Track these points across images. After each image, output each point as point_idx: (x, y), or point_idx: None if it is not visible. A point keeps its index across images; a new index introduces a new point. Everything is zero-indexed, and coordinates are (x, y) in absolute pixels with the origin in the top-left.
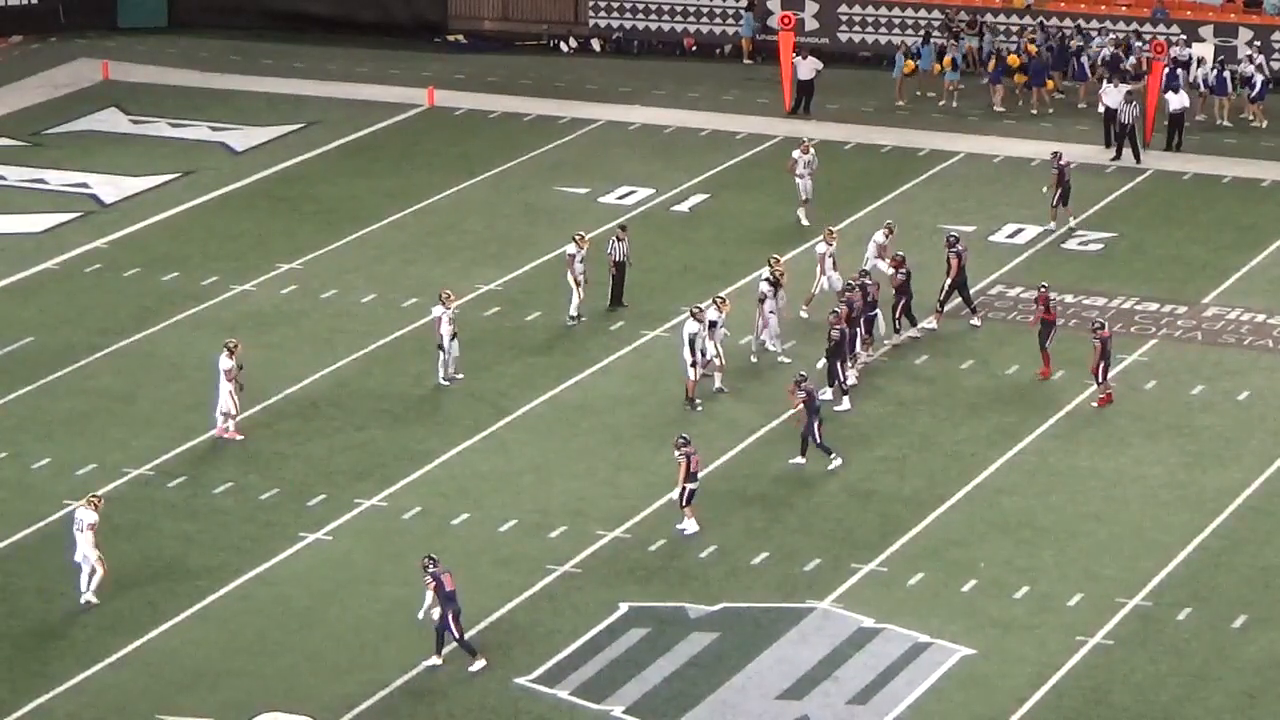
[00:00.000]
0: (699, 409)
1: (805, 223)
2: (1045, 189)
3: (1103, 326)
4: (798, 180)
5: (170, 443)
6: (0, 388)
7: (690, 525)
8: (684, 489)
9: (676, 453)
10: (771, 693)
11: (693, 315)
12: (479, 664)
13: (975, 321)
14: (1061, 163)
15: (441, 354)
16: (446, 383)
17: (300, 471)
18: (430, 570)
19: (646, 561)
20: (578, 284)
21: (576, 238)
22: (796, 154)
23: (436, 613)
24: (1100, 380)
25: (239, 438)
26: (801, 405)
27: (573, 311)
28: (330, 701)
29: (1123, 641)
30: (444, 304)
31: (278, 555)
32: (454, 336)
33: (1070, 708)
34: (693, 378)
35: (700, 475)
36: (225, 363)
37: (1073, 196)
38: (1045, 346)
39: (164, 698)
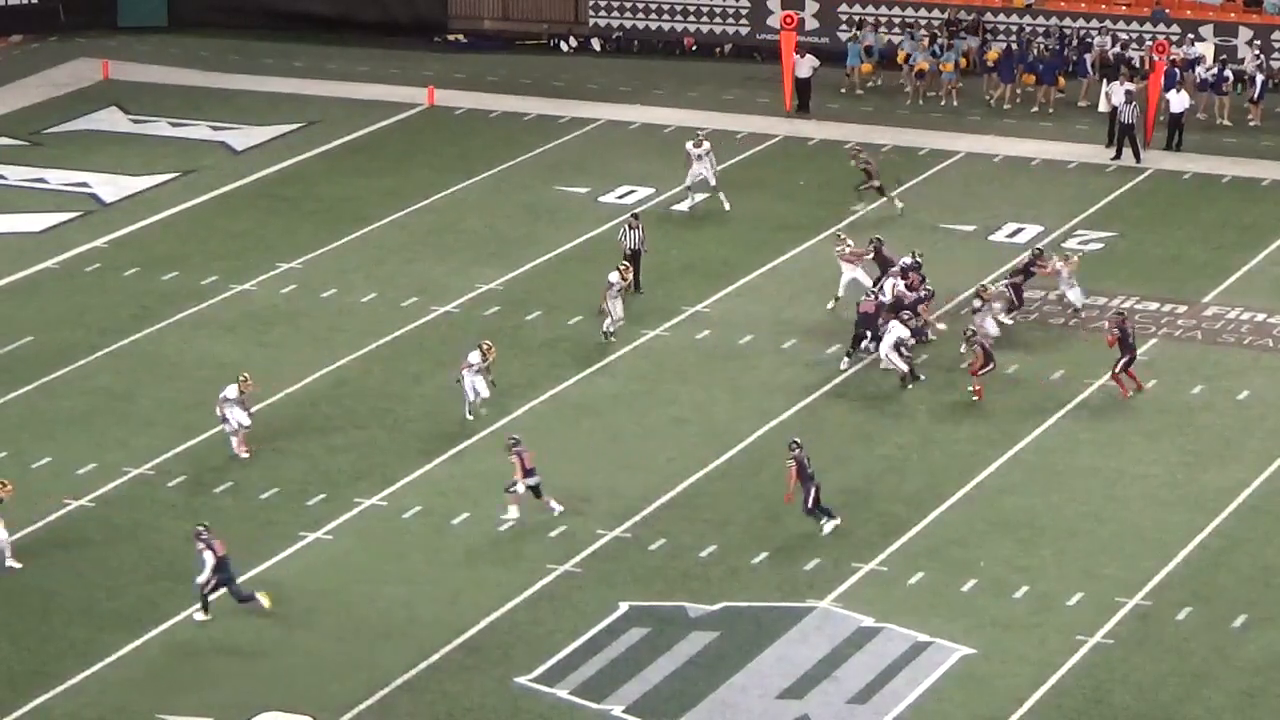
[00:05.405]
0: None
1: (687, 208)
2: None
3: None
4: (694, 167)
5: (170, 443)
6: (0, 388)
7: (555, 506)
8: (526, 486)
9: (510, 454)
10: (771, 692)
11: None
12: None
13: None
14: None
15: (466, 392)
16: (471, 417)
17: (300, 471)
18: (203, 538)
19: (646, 561)
20: (610, 311)
21: (621, 268)
22: (689, 146)
23: (205, 576)
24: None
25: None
26: (794, 477)
27: (610, 329)
28: (330, 701)
29: (1123, 641)
30: (483, 355)
31: (278, 555)
32: (492, 384)
33: (1070, 708)
34: None
35: (536, 469)
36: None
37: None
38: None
39: (164, 698)
